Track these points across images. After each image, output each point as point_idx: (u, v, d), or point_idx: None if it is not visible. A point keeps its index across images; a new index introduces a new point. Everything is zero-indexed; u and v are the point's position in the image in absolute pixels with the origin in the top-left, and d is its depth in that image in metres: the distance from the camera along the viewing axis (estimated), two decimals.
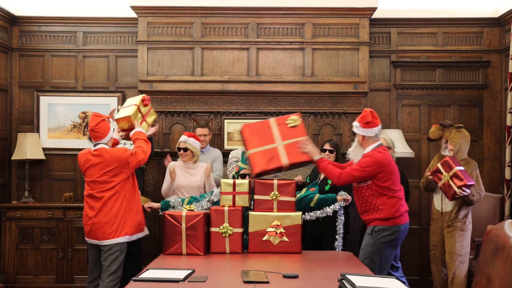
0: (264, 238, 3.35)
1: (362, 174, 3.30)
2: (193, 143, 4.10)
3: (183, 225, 3.28)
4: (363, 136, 3.40)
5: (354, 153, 3.49)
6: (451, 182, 3.77)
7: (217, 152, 4.59)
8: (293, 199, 3.42)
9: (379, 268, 3.34)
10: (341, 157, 4.26)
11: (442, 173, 3.83)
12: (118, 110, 4.71)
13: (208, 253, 3.35)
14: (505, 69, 4.86)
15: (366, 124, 3.37)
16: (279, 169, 3.47)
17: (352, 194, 3.65)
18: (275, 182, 3.42)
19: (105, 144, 3.47)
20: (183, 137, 4.11)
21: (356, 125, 3.44)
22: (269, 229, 3.35)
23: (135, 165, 3.44)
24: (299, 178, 4.21)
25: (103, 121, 3.46)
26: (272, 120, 3.55)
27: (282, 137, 3.45)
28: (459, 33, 5.16)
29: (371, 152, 3.36)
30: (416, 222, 4.99)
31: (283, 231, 3.35)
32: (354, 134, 3.57)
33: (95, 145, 3.47)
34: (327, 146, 4.16)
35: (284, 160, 3.37)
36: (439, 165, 3.87)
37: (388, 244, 3.35)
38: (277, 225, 3.35)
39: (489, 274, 2.20)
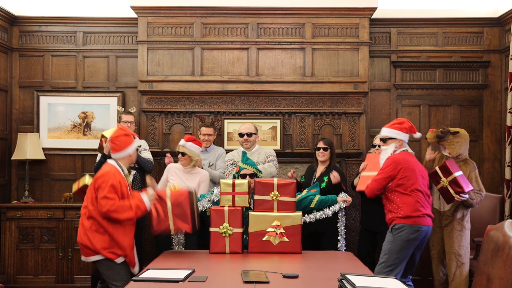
0: (264, 238, 3.36)
1: (383, 175, 3.53)
2: (191, 148, 4.06)
3: (168, 204, 3.27)
4: (403, 141, 3.63)
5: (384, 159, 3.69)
6: (449, 188, 3.78)
7: (220, 150, 4.59)
8: (293, 199, 3.43)
9: (395, 265, 3.40)
10: (335, 155, 4.27)
11: (440, 177, 3.82)
12: (118, 111, 4.72)
13: (197, 231, 3.38)
14: (505, 69, 4.86)
15: (407, 131, 3.61)
16: None
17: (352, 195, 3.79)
18: (275, 182, 3.42)
19: (115, 160, 3.31)
20: (182, 141, 4.10)
21: (395, 132, 3.61)
22: (269, 229, 3.36)
23: (98, 204, 3.13)
24: (290, 172, 4.23)
25: (125, 136, 3.34)
26: None
27: None
28: (459, 33, 5.16)
29: (393, 155, 3.59)
30: None
31: (283, 231, 3.36)
32: (384, 141, 3.69)
33: (109, 157, 3.40)
34: (321, 144, 4.20)
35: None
36: (437, 169, 3.85)
37: (407, 242, 3.42)
38: (277, 225, 3.36)
39: (489, 274, 2.20)
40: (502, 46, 5.06)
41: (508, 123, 4.43)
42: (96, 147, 4.21)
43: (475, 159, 5.05)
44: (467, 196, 3.77)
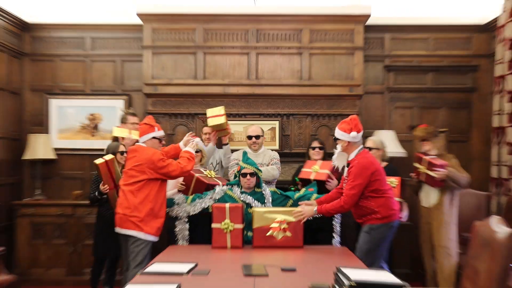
0: (268, 234, 3.36)
1: (359, 187, 3.26)
2: (202, 146, 4.15)
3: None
4: (348, 142, 3.36)
5: (339, 159, 3.48)
6: (428, 171, 3.83)
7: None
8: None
9: (376, 262, 3.34)
10: (326, 155, 4.26)
11: (418, 168, 3.91)
12: (123, 112, 4.74)
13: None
14: (493, 73, 4.88)
15: (351, 131, 3.33)
16: None
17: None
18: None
19: (142, 143, 3.57)
20: (197, 139, 4.14)
21: (340, 133, 3.37)
22: (273, 225, 3.37)
23: (165, 172, 3.44)
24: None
25: (144, 125, 3.60)
26: None
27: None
28: (449, 39, 5.18)
29: (357, 160, 3.32)
30: (408, 218, 4.98)
31: (286, 226, 3.37)
32: (335, 140, 3.50)
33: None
34: (316, 144, 4.23)
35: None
36: (414, 164, 3.97)
37: (384, 239, 3.37)
38: (281, 221, 3.37)
39: (477, 267, 2.23)
40: (490, 51, 5.07)
41: (495, 125, 4.44)
42: (104, 147, 4.20)
43: (464, 158, 5.07)
44: (443, 170, 3.76)
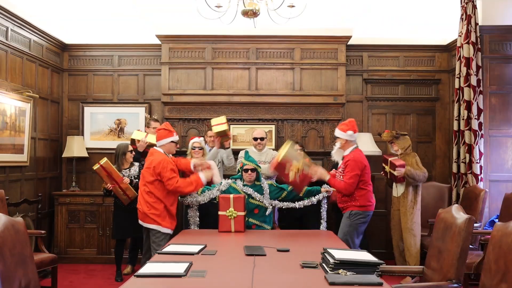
0: (286, 171, 3.25)
1: (356, 178, 3.33)
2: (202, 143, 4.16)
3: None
4: (346, 140, 3.42)
5: (337, 155, 3.55)
6: (391, 170, 3.89)
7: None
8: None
9: (354, 243, 3.37)
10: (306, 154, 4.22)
11: (384, 167, 4.00)
12: (146, 117, 4.72)
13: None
14: (452, 86, 4.86)
15: (349, 131, 3.39)
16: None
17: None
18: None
19: (159, 147, 3.42)
20: (198, 139, 4.13)
21: (339, 132, 3.44)
22: (293, 166, 3.23)
23: (164, 180, 3.28)
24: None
25: (163, 130, 3.45)
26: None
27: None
28: (416, 57, 5.16)
29: (352, 156, 3.37)
30: (383, 207, 4.99)
31: (300, 173, 3.31)
32: (335, 138, 3.55)
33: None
34: (296, 146, 4.18)
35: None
36: (382, 164, 4.06)
37: (361, 224, 3.40)
38: (300, 167, 3.27)
39: (440, 247, 2.21)
40: (450, 67, 5.04)
41: (455, 128, 4.43)
42: (129, 148, 4.16)
43: (429, 156, 5.08)
44: (402, 169, 3.80)
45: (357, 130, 3.44)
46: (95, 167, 3.74)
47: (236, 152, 4.44)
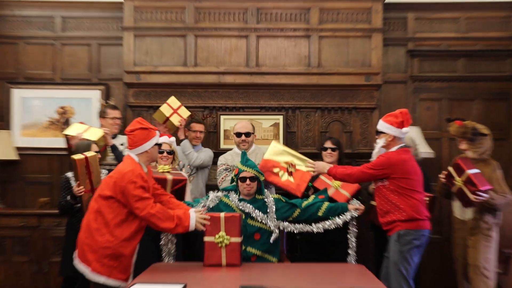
0: (274, 170, 3.58)
1: (373, 173, 3.49)
2: (175, 145, 4.15)
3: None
4: (394, 137, 3.52)
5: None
6: (464, 188, 3.75)
7: (209, 151, 4.52)
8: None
9: (409, 274, 3.41)
10: (344, 157, 4.30)
11: (454, 178, 3.84)
12: (101, 104, 4.68)
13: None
14: None
15: (401, 125, 3.49)
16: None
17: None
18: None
19: (135, 155, 3.21)
20: (168, 138, 4.07)
21: (386, 126, 3.54)
22: (282, 164, 3.62)
23: (134, 208, 3.06)
24: None
25: (140, 130, 3.21)
26: None
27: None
28: (485, 18, 5.18)
29: (389, 153, 3.52)
30: (437, 231, 4.92)
31: (293, 170, 3.56)
32: (378, 133, 3.64)
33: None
34: (328, 144, 4.21)
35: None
36: (450, 169, 3.88)
37: (416, 250, 3.43)
38: (291, 163, 3.58)
39: None
40: None
41: None
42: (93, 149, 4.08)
43: (503, 159, 5.00)
44: (486, 195, 3.70)
45: (411, 123, 3.54)
46: (77, 156, 3.64)
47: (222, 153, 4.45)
